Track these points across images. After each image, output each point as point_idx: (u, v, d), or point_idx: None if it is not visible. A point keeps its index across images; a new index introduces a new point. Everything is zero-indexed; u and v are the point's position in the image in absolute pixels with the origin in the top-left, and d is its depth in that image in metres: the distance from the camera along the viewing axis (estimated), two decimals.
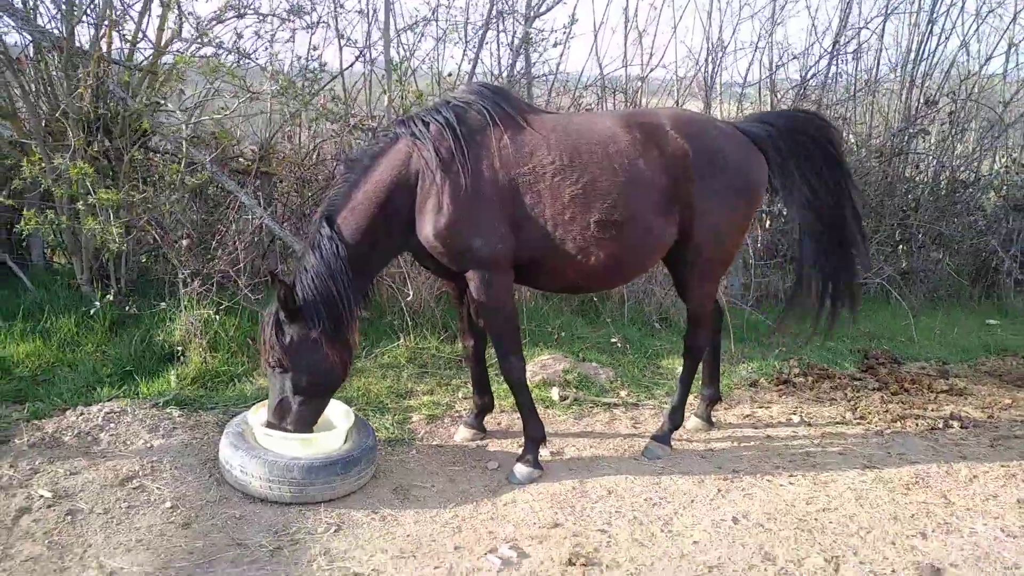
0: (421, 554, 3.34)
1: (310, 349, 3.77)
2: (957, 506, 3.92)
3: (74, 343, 5.12)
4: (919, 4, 8.46)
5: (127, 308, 5.34)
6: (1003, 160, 9.33)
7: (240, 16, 5.34)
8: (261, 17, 5.51)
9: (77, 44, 5.17)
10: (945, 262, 8.72)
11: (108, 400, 4.51)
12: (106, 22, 5.12)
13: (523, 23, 6.44)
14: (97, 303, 5.07)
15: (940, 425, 5.02)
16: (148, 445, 4.09)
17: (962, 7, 8.60)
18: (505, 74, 6.62)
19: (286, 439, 3.78)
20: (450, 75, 6.48)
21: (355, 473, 3.77)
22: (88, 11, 5.16)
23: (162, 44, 5.37)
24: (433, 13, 6.07)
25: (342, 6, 6.02)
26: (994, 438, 4.84)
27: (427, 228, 3.81)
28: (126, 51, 5.50)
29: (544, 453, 4.27)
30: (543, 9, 6.45)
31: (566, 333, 6.32)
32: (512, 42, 6.61)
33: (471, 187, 3.76)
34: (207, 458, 4.03)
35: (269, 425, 3.84)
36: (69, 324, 5.20)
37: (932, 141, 8.86)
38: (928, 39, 8.56)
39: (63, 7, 5.13)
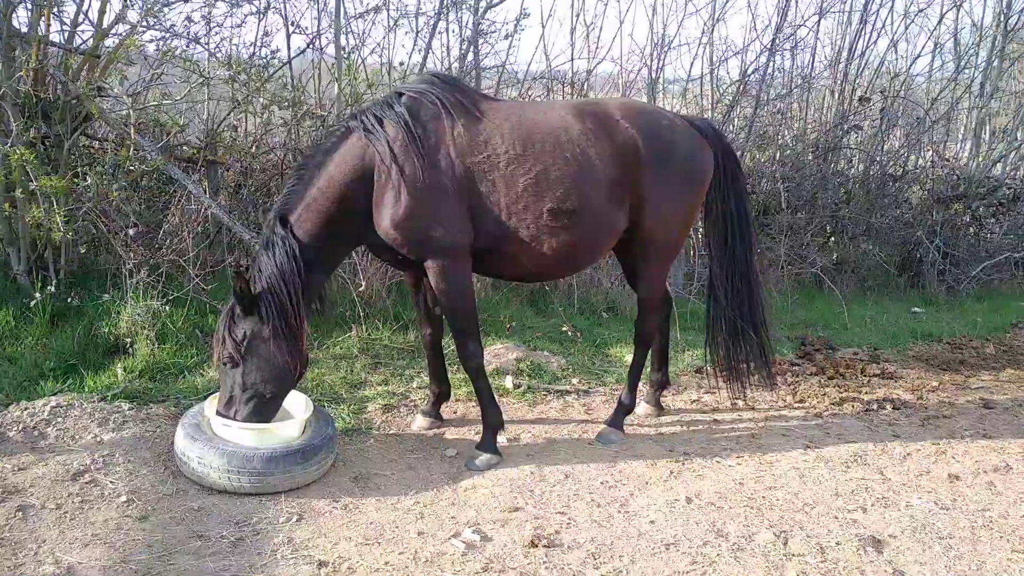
0: (385, 540, 3.37)
1: (263, 347, 3.75)
2: (893, 482, 4.14)
3: (13, 336, 4.94)
4: (852, 3, 8.81)
5: (69, 300, 5.18)
6: (928, 155, 9.78)
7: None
8: (209, 1, 5.40)
9: (15, 26, 4.98)
10: (874, 252, 9.12)
11: (53, 394, 4.37)
12: (45, 2, 4.94)
13: (474, 15, 6.47)
14: (37, 295, 4.90)
15: (874, 407, 5.27)
16: (98, 439, 4.00)
17: (891, 7, 9.01)
18: (456, 65, 6.64)
19: (243, 429, 3.75)
20: (401, 64, 6.47)
21: (315, 462, 3.77)
22: None
23: (104, 27, 5.20)
24: (384, 2, 6.04)
25: None
26: (924, 418, 5.12)
27: (385, 220, 3.82)
28: (66, 33, 5.31)
29: (501, 440, 4.33)
30: (495, 1, 6.50)
31: (517, 323, 6.39)
32: (463, 33, 6.63)
33: (428, 177, 3.78)
34: (161, 451, 3.96)
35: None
36: (7, 317, 5.01)
37: (864, 137, 9.25)
38: (860, 37, 8.93)
39: None
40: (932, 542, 3.53)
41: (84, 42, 5.42)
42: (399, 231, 3.81)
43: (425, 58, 6.56)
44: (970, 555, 3.45)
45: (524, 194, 3.91)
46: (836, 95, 9.04)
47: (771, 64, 8.40)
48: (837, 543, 3.49)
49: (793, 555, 3.38)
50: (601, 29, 7.80)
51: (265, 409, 3.84)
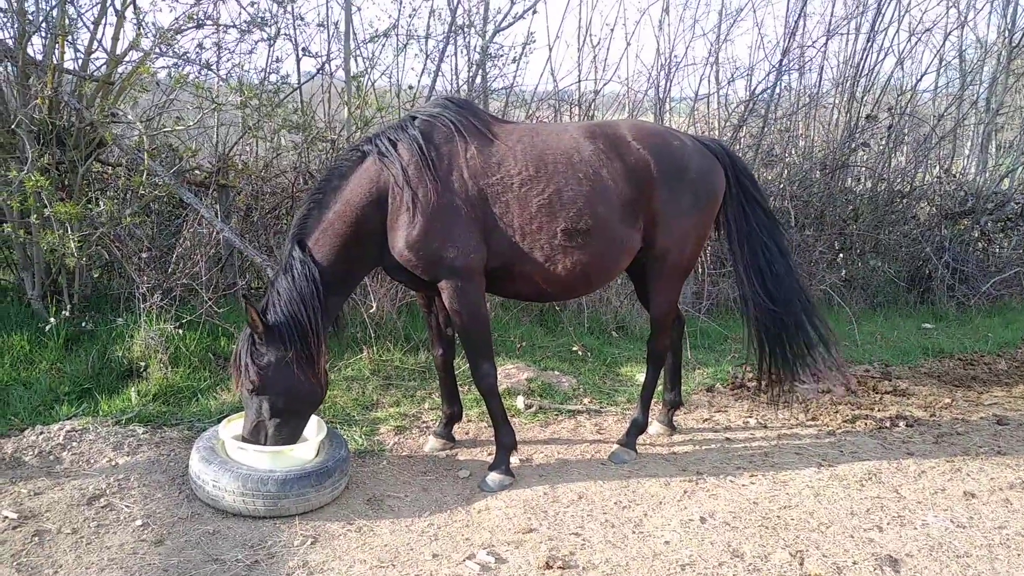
0: (400, 563, 3.36)
1: (284, 371, 3.76)
2: (908, 500, 4.12)
3: (27, 361, 4.98)
4: (859, 24, 8.86)
5: (83, 324, 5.22)
6: (935, 171, 9.79)
7: (199, 26, 5.29)
8: (220, 28, 5.47)
9: (30, 54, 5.05)
10: (883, 269, 9.11)
11: (68, 418, 4.40)
12: (59, 31, 5.01)
13: (483, 38, 6.53)
14: (52, 319, 4.94)
15: (887, 424, 5.25)
16: (113, 463, 4.02)
17: (899, 26, 9.05)
18: (464, 88, 6.70)
19: (259, 452, 3.76)
20: (410, 88, 6.53)
21: (329, 485, 3.77)
22: (44, 21, 5.04)
23: (117, 54, 5.28)
24: (394, 27, 6.12)
25: (302, 19, 6.02)
26: (938, 435, 5.09)
27: (400, 242, 3.85)
28: (80, 61, 5.39)
29: (514, 460, 4.32)
30: (503, 25, 6.57)
31: (527, 343, 6.40)
32: (472, 57, 6.70)
33: (441, 199, 3.82)
34: (175, 474, 3.97)
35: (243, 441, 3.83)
36: (22, 342, 5.05)
37: (871, 154, 9.27)
38: (867, 56, 8.97)
39: (15, 16, 5.01)
40: (949, 561, 3.51)
41: (98, 69, 5.50)
42: (413, 252, 3.84)
43: (434, 81, 6.64)
44: (988, 573, 3.42)
45: (538, 215, 3.94)
46: (843, 113, 9.07)
47: (779, 83, 8.45)
48: (854, 562, 3.46)
49: (810, 575, 3.36)
50: (608, 50, 7.90)
51: (292, 432, 3.86)
